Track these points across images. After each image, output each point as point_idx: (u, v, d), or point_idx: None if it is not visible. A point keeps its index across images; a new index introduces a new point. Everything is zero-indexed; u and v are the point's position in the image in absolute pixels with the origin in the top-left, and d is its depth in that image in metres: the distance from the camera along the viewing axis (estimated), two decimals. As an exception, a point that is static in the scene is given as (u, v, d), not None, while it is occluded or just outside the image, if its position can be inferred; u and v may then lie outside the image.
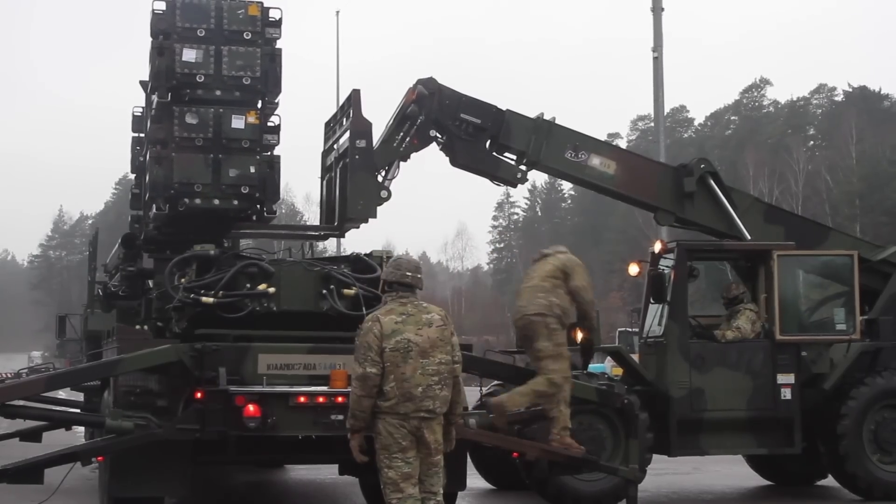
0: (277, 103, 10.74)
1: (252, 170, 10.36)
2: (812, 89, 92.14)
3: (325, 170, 13.05)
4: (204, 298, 9.99)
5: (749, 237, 13.51)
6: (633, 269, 14.70)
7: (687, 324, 13.14)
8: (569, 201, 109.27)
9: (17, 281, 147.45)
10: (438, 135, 13.02)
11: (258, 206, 10.74)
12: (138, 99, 12.77)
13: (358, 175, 11.80)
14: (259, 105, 10.55)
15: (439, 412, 7.39)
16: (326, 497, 13.87)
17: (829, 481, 13.72)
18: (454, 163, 13.28)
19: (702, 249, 13.80)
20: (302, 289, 10.26)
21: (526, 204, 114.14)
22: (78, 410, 11.99)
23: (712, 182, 13.74)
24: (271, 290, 10.11)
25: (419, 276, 7.68)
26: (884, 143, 74.37)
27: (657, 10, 26.93)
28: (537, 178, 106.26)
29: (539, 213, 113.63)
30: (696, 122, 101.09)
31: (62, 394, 12.21)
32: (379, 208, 12.05)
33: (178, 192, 10.22)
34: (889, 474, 12.79)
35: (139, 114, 12.97)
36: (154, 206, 10.43)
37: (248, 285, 10.12)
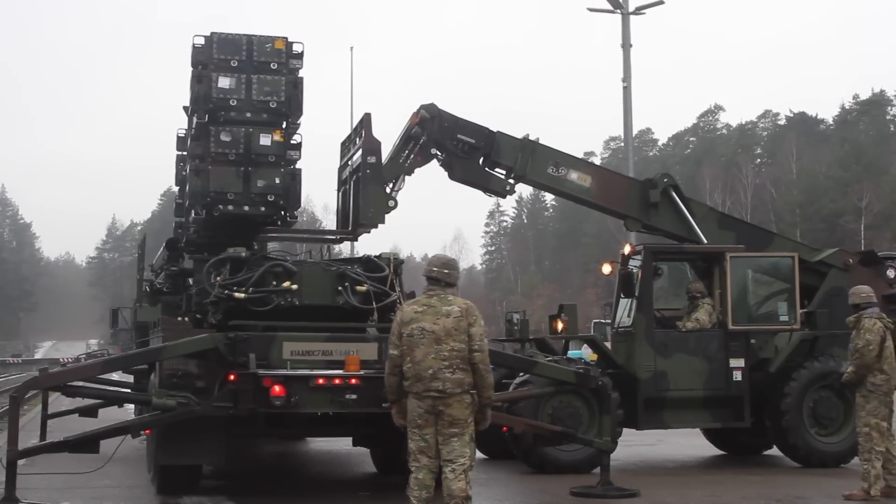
0: (299, 124, 10.71)
1: (277, 181, 10.33)
2: (759, 114, 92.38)
3: (341, 182, 13.01)
4: (236, 294, 9.99)
5: (705, 241, 13.49)
6: (606, 269, 14.66)
7: (652, 315, 13.12)
8: (551, 210, 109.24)
9: (77, 279, 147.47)
10: (438, 153, 13.01)
11: (282, 212, 10.72)
12: (182, 122, 12.76)
13: (369, 187, 11.78)
14: (283, 125, 10.51)
15: (450, 392, 7.21)
16: (341, 465, 13.84)
17: (774, 451, 13.69)
18: (452, 177, 13.28)
19: (665, 251, 13.76)
20: (320, 286, 10.25)
21: (514, 212, 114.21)
22: (128, 390, 11.94)
23: (674, 194, 13.73)
24: (294, 287, 10.10)
25: (445, 271, 7.46)
26: (820, 161, 74.49)
27: (626, 46, 27.11)
28: (523, 190, 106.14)
29: (525, 221, 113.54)
30: (660, 143, 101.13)
31: (115, 376, 12.15)
32: (387, 216, 12.02)
33: (214, 199, 10.21)
34: (824, 445, 12.76)
35: (182, 135, 12.93)
36: (193, 211, 10.41)
37: (275, 283, 10.12)
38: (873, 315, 10.21)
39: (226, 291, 10.02)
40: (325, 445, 15.75)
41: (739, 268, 13.23)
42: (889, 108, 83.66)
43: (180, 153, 12.98)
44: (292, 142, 10.65)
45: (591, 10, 27.85)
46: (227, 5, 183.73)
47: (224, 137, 10.17)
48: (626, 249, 13.76)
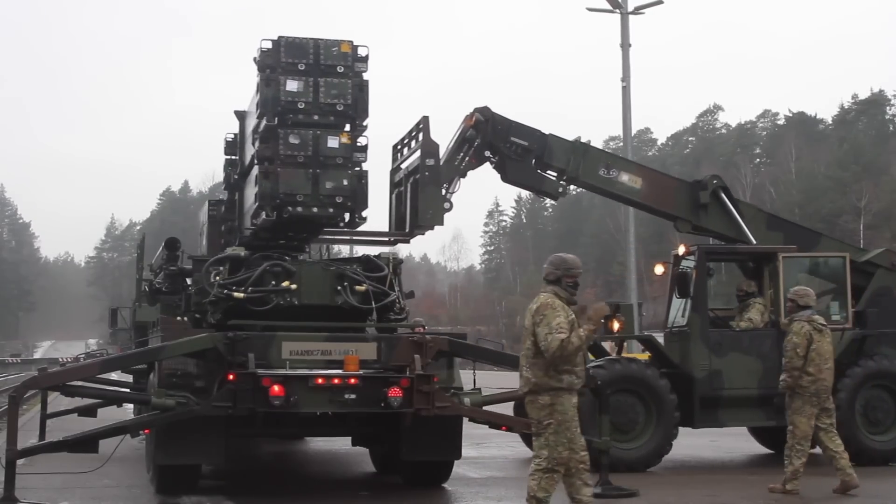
0: (366, 126, 10.64)
1: (345, 182, 10.27)
2: (758, 114, 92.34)
3: (394, 185, 12.92)
4: (235, 294, 10.00)
5: (754, 242, 13.57)
6: (659, 269, 14.77)
7: (707, 315, 13.21)
8: (550, 210, 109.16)
9: (76, 279, 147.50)
10: (491, 155, 13.08)
11: (350, 213, 10.68)
12: (231, 126, 12.66)
13: (428, 189, 11.79)
14: (350, 127, 10.49)
15: (523, 390, 7.52)
16: (341, 465, 13.84)
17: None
18: (504, 179, 13.40)
19: (718, 252, 13.90)
20: (319, 285, 10.26)
21: (513, 212, 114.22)
22: (127, 390, 11.95)
23: (723, 195, 13.80)
24: (293, 286, 10.12)
25: (544, 266, 7.70)
26: (819, 161, 74.51)
27: (625, 46, 27.19)
28: (523, 189, 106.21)
29: (524, 220, 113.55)
30: (659, 142, 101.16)
31: (114, 376, 12.15)
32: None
33: (284, 201, 10.13)
34: (875, 443, 12.92)
35: (231, 139, 12.87)
36: (264, 213, 10.38)
37: (274, 282, 10.13)
38: (803, 318, 10.44)
39: (225, 291, 10.04)
40: (324, 445, 15.76)
41: (791, 268, 13.31)
42: (888, 107, 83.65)
43: (229, 157, 12.91)
44: (358, 144, 10.61)
45: (590, 9, 27.91)
46: (240, 9, 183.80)
47: (293, 140, 10.14)
48: (680, 250, 13.79)
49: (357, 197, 10.42)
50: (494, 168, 13.23)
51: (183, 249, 14.41)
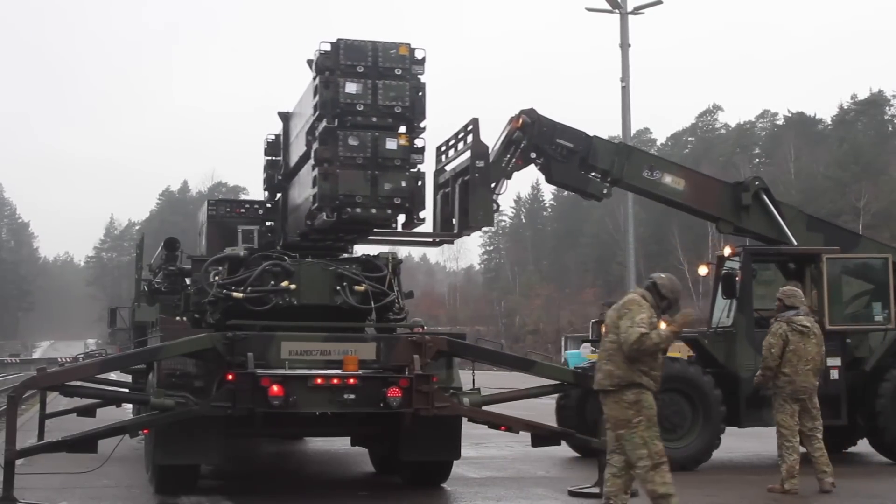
0: (423, 128, 10.65)
1: (403, 184, 10.30)
2: (757, 114, 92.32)
3: (439, 186, 12.93)
4: (235, 294, 10.00)
5: (795, 243, 13.62)
6: (703, 270, 14.84)
7: (752, 315, 13.25)
8: (549, 210, 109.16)
9: (75, 279, 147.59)
10: (536, 157, 13.15)
11: (407, 215, 10.64)
12: (273, 126, 12.74)
13: (478, 190, 11.85)
14: (408, 129, 10.48)
15: (602, 385, 7.63)
16: (340, 465, 13.84)
17: (856, 448, 13.77)
18: (549, 180, 13.52)
19: (763, 253, 13.93)
20: (319, 285, 10.26)
21: (512, 212, 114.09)
22: (126, 390, 11.95)
23: (765, 197, 13.83)
24: (292, 286, 10.12)
25: (667, 283, 7.92)
26: (818, 161, 74.56)
27: (624, 46, 27.21)
28: (522, 189, 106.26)
29: (523, 220, 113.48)
30: (658, 143, 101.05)
31: (113, 376, 12.15)
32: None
33: (343, 202, 10.14)
34: None
35: (272, 140, 12.87)
36: (323, 215, 10.39)
37: (273, 282, 10.13)
38: (782, 318, 10.54)
39: (224, 291, 10.03)
40: (323, 445, 15.75)
41: (835, 269, 13.38)
42: (887, 107, 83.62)
43: (270, 158, 12.91)
44: (416, 146, 10.65)
45: (589, 9, 27.90)
46: (241, 9, 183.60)
47: (352, 142, 10.17)
48: (726, 251, 13.85)
49: (415, 198, 10.46)
50: (539, 170, 13.32)
51: (182, 249, 14.44)
